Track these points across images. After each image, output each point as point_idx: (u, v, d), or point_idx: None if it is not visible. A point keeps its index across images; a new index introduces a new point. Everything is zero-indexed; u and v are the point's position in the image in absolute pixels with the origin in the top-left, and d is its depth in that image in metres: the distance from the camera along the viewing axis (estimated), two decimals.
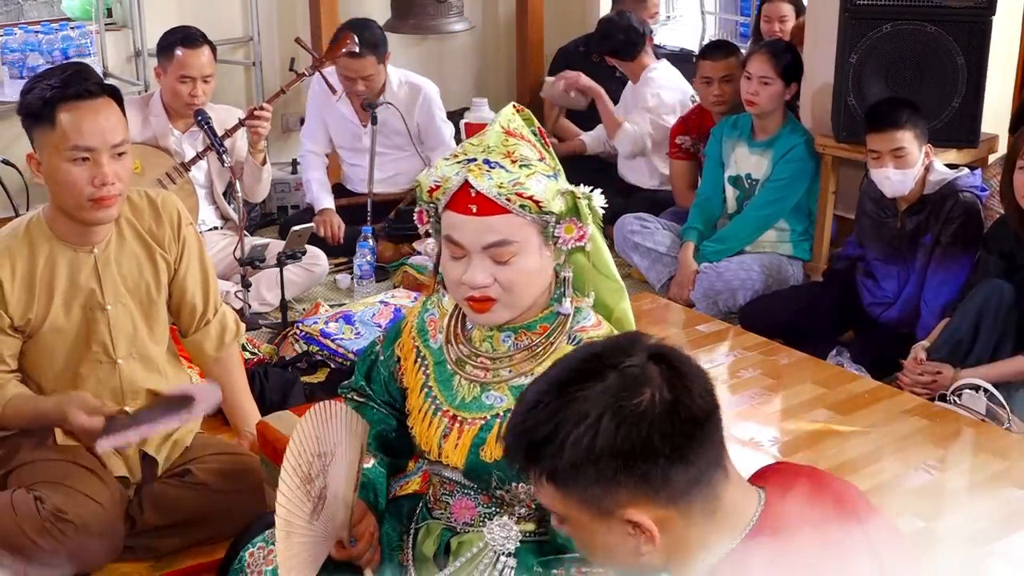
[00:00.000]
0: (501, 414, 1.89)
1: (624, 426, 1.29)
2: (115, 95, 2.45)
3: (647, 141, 4.90)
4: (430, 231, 1.92)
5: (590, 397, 1.31)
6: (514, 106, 1.91)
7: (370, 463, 2.02)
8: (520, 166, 1.81)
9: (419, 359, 2.01)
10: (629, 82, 5.10)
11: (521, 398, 1.38)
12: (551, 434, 1.32)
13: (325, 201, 4.70)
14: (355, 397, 2.13)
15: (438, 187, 1.84)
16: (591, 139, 5.21)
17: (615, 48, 4.99)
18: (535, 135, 1.90)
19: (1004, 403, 3.09)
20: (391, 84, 4.69)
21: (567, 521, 1.37)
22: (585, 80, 5.08)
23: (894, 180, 3.61)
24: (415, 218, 1.92)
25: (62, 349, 2.53)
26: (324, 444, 1.90)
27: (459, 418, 1.92)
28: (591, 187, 1.88)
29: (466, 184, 1.80)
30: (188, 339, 2.79)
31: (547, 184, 1.82)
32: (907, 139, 3.56)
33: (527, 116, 1.90)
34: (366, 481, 1.99)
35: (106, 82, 2.53)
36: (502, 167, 1.80)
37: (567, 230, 1.84)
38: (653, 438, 1.29)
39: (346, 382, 2.19)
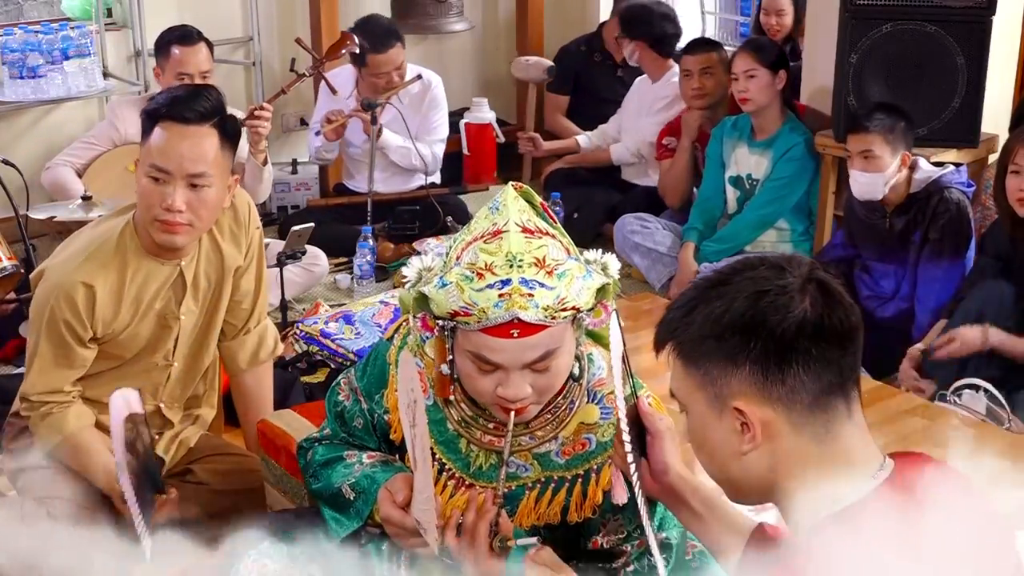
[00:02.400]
0: (529, 485, 1.82)
1: (756, 308, 1.31)
2: (223, 126, 2.37)
3: (648, 150, 4.92)
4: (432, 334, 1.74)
5: (736, 281, 1.35)
6: (513, 186, 1.74)
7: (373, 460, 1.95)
8: (558, 276, 1.66)
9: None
10: (641, 78, 5.07)
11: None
12: (689, 309, 1.36)
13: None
14: (332, 443, 2.00)
15: (468, 313, 1.65)
16: (586, 140, 5.22)
17: (656, 37, 4.85)
18: (539, 212, 1.74)
19: (1004, 403, 3.09)
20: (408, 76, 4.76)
21: (686, 410, 1.39)
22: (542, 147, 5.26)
23: (860, 182, 3.62)
24: (419, 324, 1.74)
25: (128, 354, 2.50)
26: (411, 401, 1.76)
27: (476, 487, 1.82)
28: (602, 251, 1.77)
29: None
30: (224, 344, 2.72)
31: (583, 287, 1.69)
32: (875, 143, 3.57)
33: (527, 193, 1.75)
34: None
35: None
36: (541, 284, 1.64)
37: (595, 314, 1.74)
38: (780, 328, 1.30)
39: (311, 435, 2.06)
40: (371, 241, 4.39)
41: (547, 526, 1.84)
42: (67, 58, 4.69)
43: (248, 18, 5.39)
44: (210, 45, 4.19)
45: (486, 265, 1.65)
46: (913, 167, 3.66)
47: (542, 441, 1.81)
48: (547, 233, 1.70)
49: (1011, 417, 3.08)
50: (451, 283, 1.66)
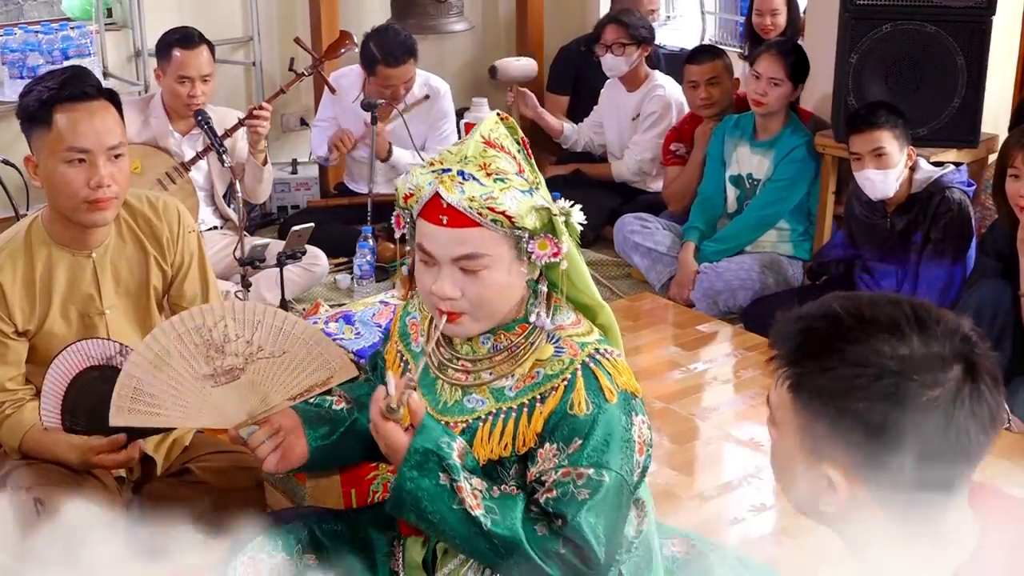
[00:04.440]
0: (483, 417, 1.87)
1: (895, 409, 1.20)
2: (113, 98, 2.44)
3: (648, 167, 4.93)
4: (405, 235, 1.90)
5: (885, 352, 1.21)
6: (498, 114, 1.87)
7: (340, 405, 2.08)
8: (495, 180, 1.78)
9: (403, 364, 2.01)
10: (611, 82, 5.06)
11: (823, 301, 1.29)
12: (825, 354, 1.24)
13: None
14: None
15: (412, 195, 1.83)
16: (570, 130, 5.22)
17: (629, 26, 4.84)
18: (517, 145, 1.86)
19: (1004, 403, 3.09)
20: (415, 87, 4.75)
21: (778, 429, 1.32)
22: (533, 106, 5.17)
23: (875, 181, 3.63)
24: (392, 222, 1.91)
25: None
26: (266, 341, 2.02)
27: (441, 423, 1.88)
28: (572, 203, 1.83)
29: (437, 195, 1.78)
30: None
31: (521, 200, 1.78)
32: (886, 139, 3.59)
33: (511, 125, 1.87)
34: (322, 413, 2.04)
35: (105, 84, 2.52)
36: (476, 180, 1.77)
37: (541, 246, 1.81)
38: (908, 435, 1.20)
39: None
40: (371, 241, 4.39)
41: (501, 463, 1.87)
42: (67, 58, 4.70)
43: (248, 18, 5.39)
44: (211, 47, 4.18)
45: (441, 159, 1.83)
46: (914, 167, 3.67)
47: (499, 376, 1.88)
48: (508, 152, 1.82)
49: (1011, 417, 3.08)
50: (411, 173, 1.85)
